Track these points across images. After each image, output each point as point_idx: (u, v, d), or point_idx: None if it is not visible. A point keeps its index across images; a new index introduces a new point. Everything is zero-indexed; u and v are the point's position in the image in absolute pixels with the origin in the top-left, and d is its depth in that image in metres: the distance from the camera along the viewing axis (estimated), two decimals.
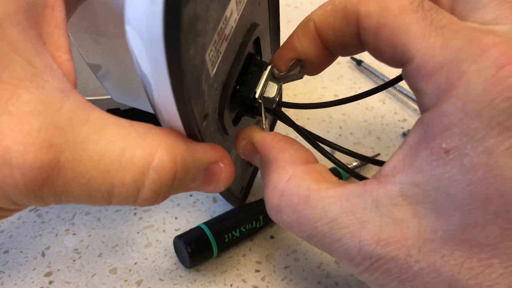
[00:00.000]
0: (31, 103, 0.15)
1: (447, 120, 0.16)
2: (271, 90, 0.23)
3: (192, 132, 0.18)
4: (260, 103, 0.23)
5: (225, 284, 0.28)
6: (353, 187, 0.18)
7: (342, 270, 0.29)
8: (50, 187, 0.15)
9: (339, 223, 0.18)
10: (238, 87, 0.23)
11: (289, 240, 0.30)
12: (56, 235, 0.30)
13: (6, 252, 0.29)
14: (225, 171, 0.19)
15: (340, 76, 0.46)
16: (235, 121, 0.25)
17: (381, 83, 0.45)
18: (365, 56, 0.48)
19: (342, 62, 0.48)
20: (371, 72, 0.45)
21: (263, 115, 0.23)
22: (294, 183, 0.19)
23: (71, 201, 0.16)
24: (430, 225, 0.16)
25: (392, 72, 0.45)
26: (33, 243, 0.30)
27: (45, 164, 0.14)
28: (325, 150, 0.23)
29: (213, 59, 0.19)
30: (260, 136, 0.21)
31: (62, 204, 0.17)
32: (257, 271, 0.29)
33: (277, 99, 0.23)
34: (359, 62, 0.46)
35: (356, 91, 0.43)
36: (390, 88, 0.44)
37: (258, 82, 0.23)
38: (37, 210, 0.32)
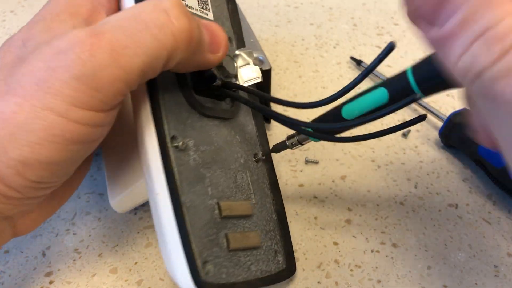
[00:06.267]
0: None
1: None
2: (230, 66, 0.26)
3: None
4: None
5: None
6: None
7: (342, 270, 0.29)
8: None
9: None
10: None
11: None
12: (57, 235, 0.30)
13: (6, 252, 0.29)
14: (223, 36, 0.24)
15: (340, 76, 0.46)
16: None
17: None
18: (365, 56, 0.48)
19: (342, 62, 0.48)
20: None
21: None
22: None
23: None
24: None
25: (391, 72, 0.45)
26: (34, 243, 0.30)
27: None
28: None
29: None
30: None
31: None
32: None
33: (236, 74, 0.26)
34: (359, 62, 0.46)
35: (356, 92, 0.43)
36: None
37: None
38: None
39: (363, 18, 0.56)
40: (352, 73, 0.46)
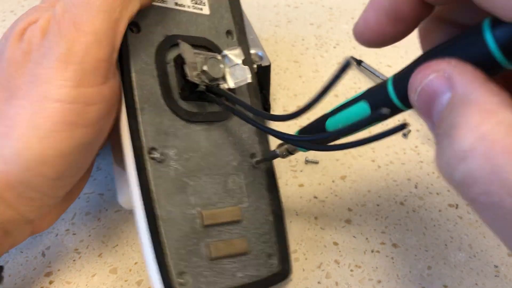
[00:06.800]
0: None
1: None
2: (215, 70, 0.25)
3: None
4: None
5: None
6: None
7: (342, 270, 0.29)
8: None
9: None
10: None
11: (289, 240, 0.30)
12: (56, 235, 0.30)
13: (6, 251, 0.29)
14: None
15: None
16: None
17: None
18: (366, 56, 0.48)
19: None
20: (371, 72, 0.45)
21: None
22: (502, 130, 0.14)
23: None
24: None
25: (391, 72, 0.45)
26: (33, 243, 0.30)
27: None
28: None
29: None
30: (462, 70, 0.16)
31: None
32: None
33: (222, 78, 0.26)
34: (359, 62, 0.46)
35: (356, 91, 0.43)
36: None
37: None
38: None
39: None
40: (352, 73, 0.46)
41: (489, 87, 0.16)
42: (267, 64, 0.37)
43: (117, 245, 0.30)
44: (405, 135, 0.39)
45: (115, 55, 0.23)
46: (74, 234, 0.30)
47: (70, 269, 0.28)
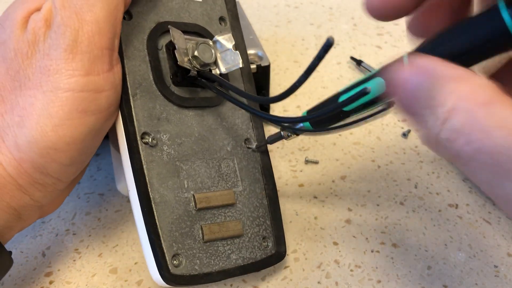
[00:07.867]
0: None
1: None
2: (206, 55, 0.26)
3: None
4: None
5: (225, 284, 0.28)
6: None
7: (342, 270, 0.29)
8: None
9: None
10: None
11: (289, 240, 0.30)
12: (56, 235, 0.30)
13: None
14: None
15: (340, 76, 0.46)
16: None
17: None
18: (365, 56, 0.48)
19: (342, 62, 0.48)
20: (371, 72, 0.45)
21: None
22: (476, 89, 0.16)
23: None
24: None
25: None
26: (34, 243, 0.30)
27: None
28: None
29: None
30: (433, 59, 0.18)
31: None
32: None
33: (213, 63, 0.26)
34: (359, 62, 0.46)
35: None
36: None
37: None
38: None
39: (363, 18, 0.56)
40: (352, 73, 0.46)
41: (454, 66, 0.17)
42: (266, 64, 0.37)
43: (117, 245, 0.30)
44: (405, 135, 0.39)
45: (117, 42, 0.23)
46: (74, 234, 0.31)
47: (70, 269, 0.28)
